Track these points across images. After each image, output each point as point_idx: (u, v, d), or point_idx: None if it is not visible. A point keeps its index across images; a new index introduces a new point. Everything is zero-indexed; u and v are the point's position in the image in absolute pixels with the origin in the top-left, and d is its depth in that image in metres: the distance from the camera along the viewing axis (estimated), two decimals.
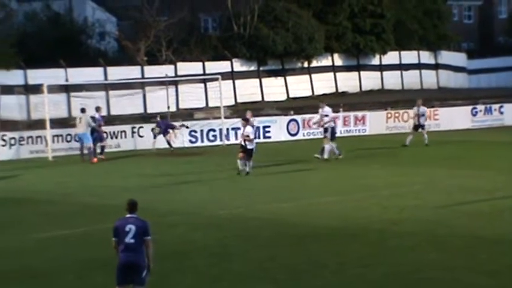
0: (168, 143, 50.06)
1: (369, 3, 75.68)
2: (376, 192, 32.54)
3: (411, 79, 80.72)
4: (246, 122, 40.05)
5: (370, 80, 78.01)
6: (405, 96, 70.26)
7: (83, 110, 48.86)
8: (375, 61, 78.58)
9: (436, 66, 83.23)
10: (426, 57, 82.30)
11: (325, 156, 42.55)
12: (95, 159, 46.51)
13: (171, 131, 50.48)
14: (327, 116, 43.52)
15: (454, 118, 60.55)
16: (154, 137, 50.81)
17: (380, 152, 47.11)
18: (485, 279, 19.53)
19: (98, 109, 49.45)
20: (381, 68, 79.00)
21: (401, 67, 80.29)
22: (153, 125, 51.17)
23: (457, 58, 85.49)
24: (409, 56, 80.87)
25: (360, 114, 59.16)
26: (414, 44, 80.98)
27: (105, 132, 49.75)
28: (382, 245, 23.60)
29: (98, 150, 47.81)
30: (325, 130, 43.24)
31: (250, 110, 45.02)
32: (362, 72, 77.78)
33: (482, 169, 38.24)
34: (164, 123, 51.12)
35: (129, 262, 16.32)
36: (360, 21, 75.65)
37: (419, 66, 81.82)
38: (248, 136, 39.06)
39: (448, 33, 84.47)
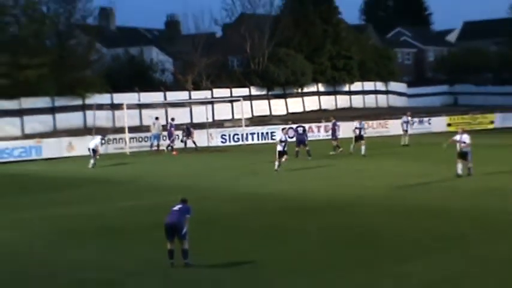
0: (194, 143, 49.53)
1: (342, 49, 76.04)
2: (345, 176, 32.44)
3: (370, 100, 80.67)
4: (283, 130, 37.00)
5: (343, 101, 78.01)
6: (366, 112, 70.46)
7: (157, 118, 50.93)
8: (346, 88, 78.57)
9: (386, 92, 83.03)
10: (380, 86, 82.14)
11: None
12: (175, 152, 46.72)
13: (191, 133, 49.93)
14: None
15: (398, 127, 60.28)
16: (183, 140, 50.00)
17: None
18: (421, 235, 19.42)
19: (172, 119, 50.20)
20: (350, 93, 79.00)
21: (364, 92, 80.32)
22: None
23: (400, 87, 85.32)
24: (369, 85, 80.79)
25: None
26: (372, 77, 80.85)
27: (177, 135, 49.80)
28: (349, 213, 23.49)
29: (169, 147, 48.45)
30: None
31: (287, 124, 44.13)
32: (337, 96, 77.79)
33: (418, 161, 38.05)
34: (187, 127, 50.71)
35: (172, 223, 16.39)
36: (336, 62, 75.81)
37: (375, 92, 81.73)
38: (283, 141, 35.17)
39: (395, 70, 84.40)
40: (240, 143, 53.78)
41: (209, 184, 31.54)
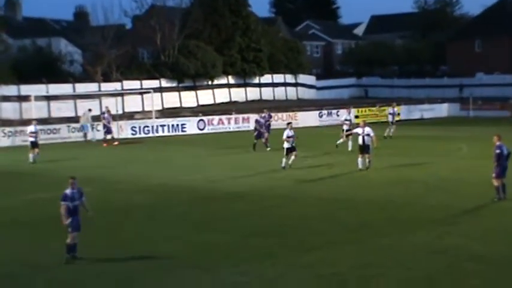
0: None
1: (252, 42, 76.30)
2: (256, 170, 32.54)
3: (280, 93, 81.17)
4: (289, 124, 33.35)
5: (253, 93, 78.23)
6: (276, 104, 70.88)
7: (90, 110, 51.52)
8: (256, 80, 78.82)
9: (296, 85, 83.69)
10: (289, 78, 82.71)
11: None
12: (105, 144, 46.51)
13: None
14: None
15: (307, 119, 61.09)
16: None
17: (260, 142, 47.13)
18: (328, 226, 19.64)
19: (108, 110, 49.62)
20: (260, 85, 79.28)
21: (273, 85, 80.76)
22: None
23: (309, 79, 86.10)
24: (278, 78, 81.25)
25: (245, 116, 59.15)
26: (282, 70, 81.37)
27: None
28: (259, 203, 23.60)
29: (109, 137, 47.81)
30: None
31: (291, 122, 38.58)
32: (247, 88, 77.99)
33: (327, 152, 38.49)
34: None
35: None
36: (246, 54, 75.98)
37: (285, 84, 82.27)
38: (290, 137, 31.84)
39: (304, 63, 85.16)
40: (151, 135, 53.31)
41: (121, 176, 31.14)
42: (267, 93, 79.65)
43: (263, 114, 42.48)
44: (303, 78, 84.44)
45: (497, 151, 22.40)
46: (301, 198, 24.12)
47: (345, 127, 38.91)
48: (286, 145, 31.82)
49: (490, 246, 16.74)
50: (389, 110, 48.81)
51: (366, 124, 31.50)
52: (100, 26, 71.01)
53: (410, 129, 54.15)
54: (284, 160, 31.72)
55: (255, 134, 40.72)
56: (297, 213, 21.66)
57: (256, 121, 41.33)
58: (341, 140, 38.63)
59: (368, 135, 30.54)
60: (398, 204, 22.52)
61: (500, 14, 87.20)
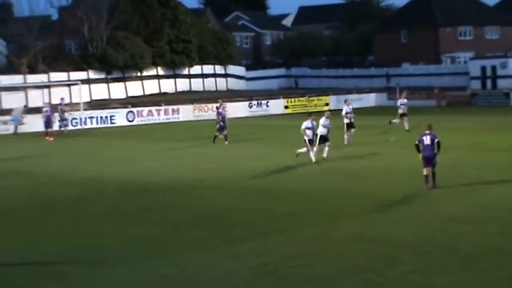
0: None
1: (181, 33, 76.07)
2: (187, 161, 32.43)
3: (209, 84, 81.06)
4: (309, 115, 31.32)
5: (182, 84, 78.06)
6: (206, 95, 70.92)
7: (25, 106, 52.32)
8: (185, 72, 78.59)
9: (225, 75, 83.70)
10: (219, 69, 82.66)
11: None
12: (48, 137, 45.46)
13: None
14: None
15: (237, 109, 61.09)
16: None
17: (191, 134, 47.04)
18: (258, 216, 19.67)
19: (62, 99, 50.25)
20: (189, 76, 79.11)
21: (203, 76, 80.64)
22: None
23: (239, 70, 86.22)
24: (208, 68, 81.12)
25: (175, 107, 58.92)
26: (211, 60, 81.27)
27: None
28: (190, 195, 23.53)
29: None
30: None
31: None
32: (177, 79, 77.73)
33: (259, 143, 38.58)
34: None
35: None
36: (175, 45, 75.73)
37: (214, 75, 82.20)
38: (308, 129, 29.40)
39: (233, 54, 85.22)
40: (79, 127, 52.55)
41: (49, 169, 30.60)
42: (197, 85, 79.51)
43: (222, 106, 40.25)
44: (232, 69, 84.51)
45: (416, 142, 22.75)
46: (232, 189, 24.11)
47: (346, 120, 36.23)
48: (309, 136, 29.47)
49: (416, 234, 17.02)
50: (400, 100, 43.53)
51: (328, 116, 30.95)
52: (25, 17, 69.69)
53: (339, 119, 54.60)
54: (311, 153, 29.43)
55: (217, 126, 38.52)
56: (227, 204, 21.65)
57: (219, 113, 38.89)
58: (346, 136, 35.91)
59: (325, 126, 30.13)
60: (326, 194, 22.71)
61: (425, 5, 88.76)
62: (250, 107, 62.53)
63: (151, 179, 26.94)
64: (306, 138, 29.41)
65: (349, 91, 71.65)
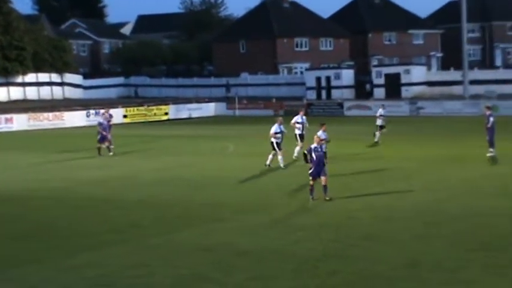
0: None
1: (14, 39, 73.98)
2: (21, 170, 31.48)
3: (45, 92, 79.25)
4: (322, 126, 28.32)
5: (16, 92, 75.92)
6: (41, 104, 69.23)
7: None
8: (19, 79, 76.36)
9: (62, 84, 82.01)
10: (55, 77, 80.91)
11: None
12: None
13: None
14: None
15: (74, 119, 60.20)
16: None
17: (26, 143, 45.62)
18: (97, 227, 19.43)
19: None
20: (24, 84, 76.93)
21: (38, 84, 78.67)
22: None
23: (76, 78, 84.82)
24: (44, 76, 79.32)
25: (9, 116, 57.16)
26: (47, 68, 79.39)
27: None
28: (26, 206, 22.91)
29: None
30: None
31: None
32: (10, 87, 75.41)
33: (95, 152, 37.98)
34: None
35: None
36: (8, 52, 73.55)
37: (50, 83, 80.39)
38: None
39: (70, 62, 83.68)
40: None
41: None
42: (32, 93, 77.44)
43: (104, 115, 38.31)
44: (69, 77, 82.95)
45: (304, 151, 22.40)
46: (70, 200, 23.68)
47: (297, 131, 32.68)
48: (276, 140, 29.26)
49: (255, 241, 17.41)
50: (380, 111, 39.79)
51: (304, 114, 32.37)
52: None
53: (178, 128, 54.92)
54: (280, 157, 29.34)
55: (99, 137, 36.46)
56: (65, 214, 21.24)
57: (100, 124, 37.02)
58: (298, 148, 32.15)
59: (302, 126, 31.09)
60: (167, 203, 22.77)
61: (263, 16, 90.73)
62: (88, 116, 61.53)
63: None
64: (274, 141, 29.22)
65: (188, 100, 72.06)
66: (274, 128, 29.62)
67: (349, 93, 75.17)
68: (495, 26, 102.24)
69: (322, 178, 21.85)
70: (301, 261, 15.53)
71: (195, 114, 67.36)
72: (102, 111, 40.92)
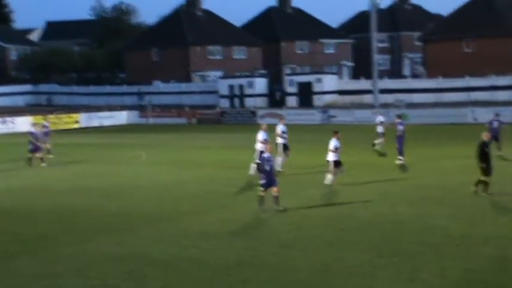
0: None
1: None
2: None
3: None
4: (336, 134, 25.82)
5: None
6: None
7: None
8: None
9: None
10: None
11: None
12: None
13: None
14: None
15: None
16: None
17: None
18: (6, 239, 18.98)
19: None
20: None
21: None
22: None
23: None
24: None
25: None
26: None
27: None
28: None
29: None
30: None
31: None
32: None
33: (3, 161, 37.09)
34: None
35: None
36: None
37: None
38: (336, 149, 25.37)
39: None
40: None
41: None
42: None
43: (39, 124, 36.54)
44: None
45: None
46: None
47: (280, 140, 30.03)
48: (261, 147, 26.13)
49: (167, 251, 17.30)
50: (379, 118, 37.68)
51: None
52: None
53: (90, 136, 54.20)
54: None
55: (30, 147, 34.94)
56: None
57: (31, 133, 35.46)
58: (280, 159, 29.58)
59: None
60: (77, 213, 22.39)
61: (176, 24, 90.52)
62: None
63: None
64: (281, 142, 27.68)
65: (100, 108, 71.18)
66: (261, 135, 27.68)
67: (262, 102, 75.67)
68: (403, 36, 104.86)
69: (274, 189, 21.44)
70: (214, 269, 15.52)
71: (107, 123, 66.60)
72: (43, 121, 39.81)
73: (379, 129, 36.37)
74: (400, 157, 31.40)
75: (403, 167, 30.45)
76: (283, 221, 20.33)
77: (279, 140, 29.99)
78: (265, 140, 27.24)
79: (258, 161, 21.18)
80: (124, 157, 38.73)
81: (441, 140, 43.88)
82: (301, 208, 22.01)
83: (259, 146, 27.11)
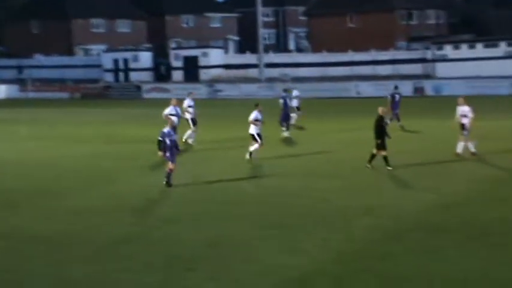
0: None
1: None
2: None
3: None
4: (257, 106, 26.10)
5: None
6: None
7: None
8: None
9: None
10: None
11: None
12: None
13: None
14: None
15: None
16: None
17: None
18: None
19: None
20: None
21: None
22: None
23: None
24: None
25: None
26: None
27: None
28: None
29: None
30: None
31: None
32: None
33: None
34: None
35: None
36: None
37: None
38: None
39: None
40: None
41: None
42: None
43: None
44: None
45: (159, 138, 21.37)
46: None
47: (188, 115, 30.37)
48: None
49: (50, 227, 17.02)
50: (295, 92, 37.42)
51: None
52: None
53: None
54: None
55: None
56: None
57: None
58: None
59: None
60: None
61: None
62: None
63: None
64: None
65: None
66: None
67: (147, 76, 74.93)
68: (288, 10, 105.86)
69: (171, 165, 21.23)
70: (100, 245, 15.40)
71: None
72: None
73: (294, 103, 35.98)
74: (284, 129, 31.82)
75: (288, 139, 30.87)
76: (171, 196, 20.32)
77: (187, 115, 30.18)
78: (172, 114, 27.34)
79: (159, 138, 21.12)
80: (3, 132, 37.65)
81: (328, 113, 44.41)
82: (190, 184, 21.99)
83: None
